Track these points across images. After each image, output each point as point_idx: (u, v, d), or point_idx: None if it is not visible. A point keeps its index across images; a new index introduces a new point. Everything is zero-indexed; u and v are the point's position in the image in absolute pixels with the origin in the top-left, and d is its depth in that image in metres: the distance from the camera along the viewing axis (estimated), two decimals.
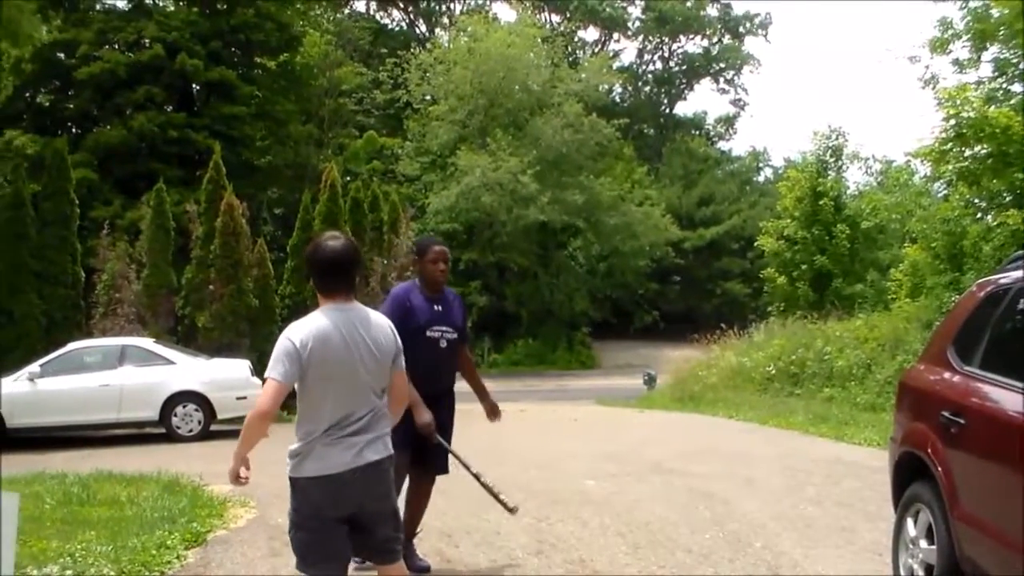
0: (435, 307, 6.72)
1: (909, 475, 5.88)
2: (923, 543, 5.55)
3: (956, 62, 20.28)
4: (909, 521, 5.78)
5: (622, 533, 7.89)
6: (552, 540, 7.69)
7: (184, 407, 16.06)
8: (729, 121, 65.39)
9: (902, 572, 5.85)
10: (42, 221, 20.38)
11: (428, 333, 6.65)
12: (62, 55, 36.47)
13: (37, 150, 31.80)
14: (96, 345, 17.26)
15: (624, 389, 27.13)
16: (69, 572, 6.36)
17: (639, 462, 11.84)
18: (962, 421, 5.19)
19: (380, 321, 4.73)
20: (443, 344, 6.72)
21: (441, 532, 7.96)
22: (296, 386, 4.43)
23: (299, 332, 4.43)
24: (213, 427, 16.20)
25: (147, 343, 17.11)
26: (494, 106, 43.88)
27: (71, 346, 16.90)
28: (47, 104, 37.89)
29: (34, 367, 16.07)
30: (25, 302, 19.71)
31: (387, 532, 4.72)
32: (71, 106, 37.90)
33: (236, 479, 4.59)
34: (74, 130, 37.21)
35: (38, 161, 27.90)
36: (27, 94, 37.38)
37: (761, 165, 60.73)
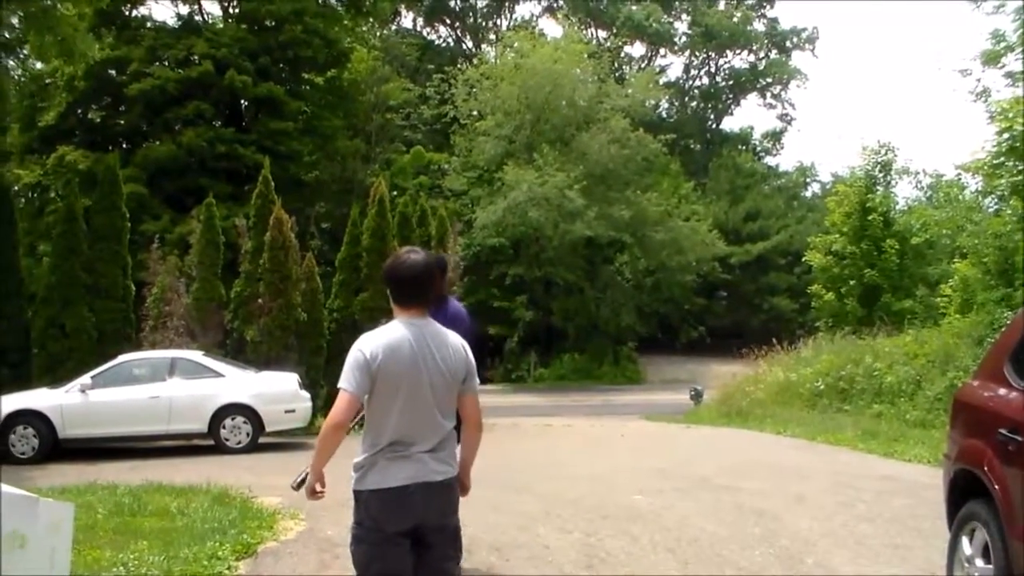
0: None
1: (964, 493, 5.81)
2: (979, 562, 5.48)
3: (1009, 75, 20.01)
4: (964, 539, 5.71)
5: (672, 549, 7.86)
6: (602, 555, 7.67)
7: (233, 419, 16.15)
8: (776, 136, 65.17)
9: None
10: (94, 235, 20.59)
11: None
12: (114, 72, 36.94)
13: (89, 165, 32.22)
14: (146, 358, 17.40)
15: (670, 404, 27.01)
16: None
17: (688, 478, 11.77)
18: (1020, 439, 5.12)
19: (454, 341, 4.70)
20: None
21: (491, 546, 7.95)
22: (364, 398, 4.43)
23: (370, 343, 4.45)
24: (261, 440, 16.25)
25: (196, 356, 17.22)
26: (540, 121, 43.90)
27: (122, 358, 17.04)
28: (99, 120, 38.38)
29: (85, 379, 16.22)
30: (77, 315, 19.93)
31: (445, 551, 4.64)
32: (122, 122, 38.42)
33: (313, 494, 4.59)
34: (125, 145, 37.68)
35: (90, 176, 28.23)
36: (79, 110, 37.88)
37: (808, 180, 60.37)
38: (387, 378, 4.39)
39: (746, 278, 50.90)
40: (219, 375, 16.62)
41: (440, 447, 4.54)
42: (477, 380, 4.78)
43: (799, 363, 23.34)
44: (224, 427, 16.11)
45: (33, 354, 19.99)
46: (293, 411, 16.60)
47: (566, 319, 43.76)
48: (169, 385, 16.25)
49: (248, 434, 16.07)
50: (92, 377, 16.24)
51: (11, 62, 27.27)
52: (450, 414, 4.61)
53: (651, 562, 7.48)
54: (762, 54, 62.37)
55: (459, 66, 46.23)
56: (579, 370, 42.12)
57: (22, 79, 37.28)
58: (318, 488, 4.56)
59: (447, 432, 4.58)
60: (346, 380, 4.38)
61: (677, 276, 45.65)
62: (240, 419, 16.13)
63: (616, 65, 53.27)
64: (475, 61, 48.08)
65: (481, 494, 10.44)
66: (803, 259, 34.81)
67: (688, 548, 7.88)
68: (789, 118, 65.38)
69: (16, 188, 33.08)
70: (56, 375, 18.15)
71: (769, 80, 62.77)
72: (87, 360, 18.24)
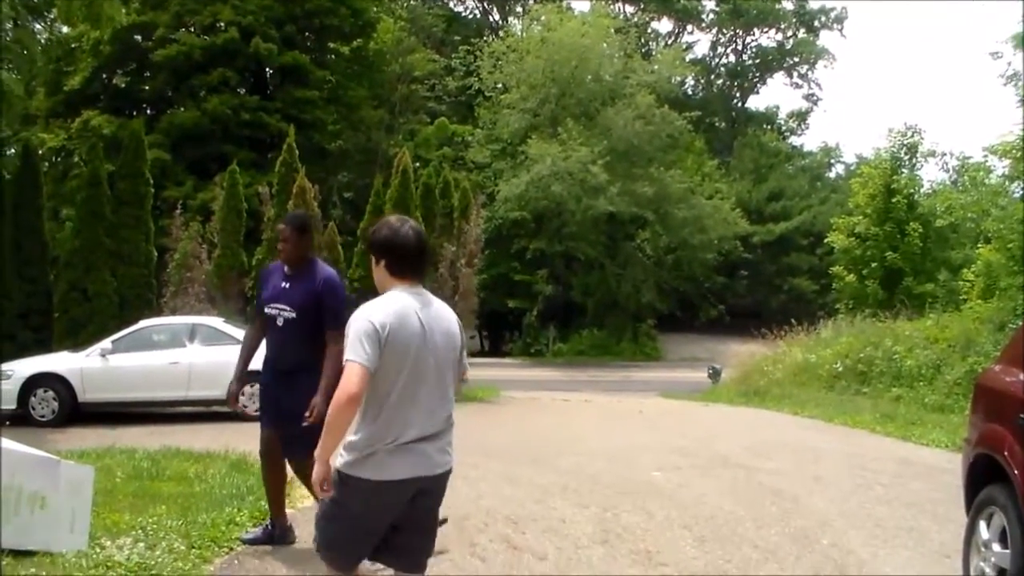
0: (284, 284, 6.64)
1: (983, 477, 5.79)
2: (996, 546, 5.46)
3: None
4: (982, 523, 5.69)
5: (688, 526, 7.86)
6: (618, 530, 7.68)
7: (252, 387, 16.13)
8: (801, 116, 64.80)
9: (973, 575, 5.77)
10: (118, 200, 20.69)
11: (267, 310, 6.68)
12: (139, 38, 37.01)
13: (113, 131, 32.30)
14: (167, 323, 17.45)
15: (689, 382, 27.03)
16: (141, 544, 6.43)
17: (705, 456, 11.78)
18: None
19: (451, 314, 4.54)
20: (279, 322, 6.60)
21: (508, 519, 7.97)
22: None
23: (379, 312, 4.21)
24: None
25: (217, 322, 17.17)
26: (566, 95, 43.79)
27: (142, 324, 17.09)
28: (124, 85, 38.46)
29: (106, 343, 16.30)
30: (99, 280, 20.05)
31: (423, 542, 4.53)
32: (147, 88, 38.48)
33: (321, 487, 4.27)
34: (149, 111, 37.80)
35: (114, 141, 28.30)
36: (104, 76, 37.95)
37: (833, 161, 60.13)
38: (395, 350, 4.16)
39: (767, 258, 50.74)
40: (239, 342, 16.59)
41: (444, 432, 4.36)
42: (467, 357, 4.62)
43: (818, 344, 23.27)
44: (243, 394, 16.13)
45: (55, 318, 20.16)
46: None
47: (586, 294, 43.75)
48: (189, 351, 16.29)
49: None
50: (113, 342, 16.32)
51: (38, 26, 27.21)
52: (451, 391, 4.45)
53: (667, 538, 7.48)
54: (790, 33, 61.92)
55: (485, 38, 46.16)
56: (598, 346, 42.11)
57: (48, 43, 37.31)
58: (325, 487, 4.25)
59: (449, 413, 4.40)
60: (355, 351, 4.12)
61: (698, 254, 45.51)
62: (258, 386, 16.14)
63: (643, 41, 53.02)
64: (501, 33, 47.98)
65: (498, 467, 10.58)
66: (825, 240, 34.65)
67: (704, 525, 7.89)
68: (815, 98, 64.98)
69: (41, 152, 33.16)
70: (77, 339, 18.28)
71: (796, 59, 62.38)
72: (108, 325, 18.36)
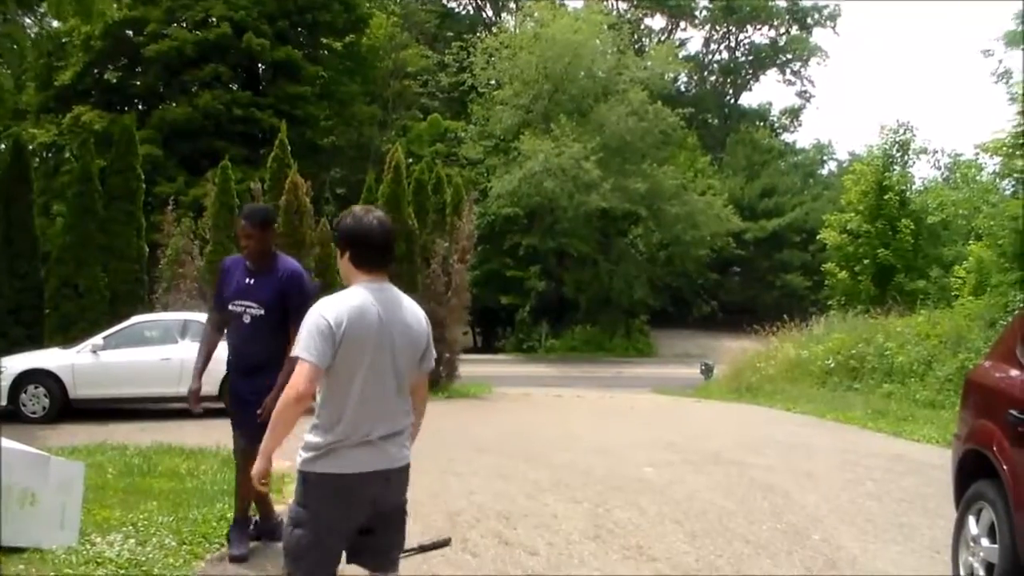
0: (248, 281, 6.50)
1: (973, 473, 5.82)
2: (985, 542, 5.49)
3: None
4: (971, 519, 5.72)
5: (680, 521, 7.88)
6: (610, 526, 7.69)
7: None
8: (794, 113, 64.89)
9: (962, 570, 5.80)
10: (109, 196, 20.60)
11: (231, 307, 6.52)
12: (131, 32, 36.94)
13: (104, 126, 32.26)
14: (158, 319, 17.37)
15: (681, 378, 27.07)
16: (132, 540, 6.43)
17: (697, 451, 11.80)
18: None
19: (417, 310, 4.37)
20: (246, 319, 6.47)
21: (499, 514, 7.97)
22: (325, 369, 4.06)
23: (333, 307, 4.08)
24: None
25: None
26: (558, 92, 43.82)
27: (134, 320, 17.04)
28: (115, 81, 38.38)
29: (97, 339, 16.24)
30: (91, 275, 19.98)
31: (392, 538, 4.41)
32: (138, 83, 38.43)
33: (262, 482, 4.26)
34: (141, 106, 37.75)
35: (106, 137, 28.23)
36: (96, 71, 37.89)
37: (825, 158, 60.28)
38: (351, 347, 4.05)
39: (760, 254, 50.86)
40: None
41: (401, 430, 4.26)
42: (434, 354, 4.44)
43: (810, 340, 23.35)
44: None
45: (46, 314, 20.06)
46: None
47: (578, 290, 43.81)
48: (180, 347, 16.19)
49: None
50: (104, 338, 16.25)
51: (28, 20, 27.14)
52: (409, 390, 4.32)
53: (659, 533, 7.49)
54: (783, 30, 61.99)
55: (478, 34, 46.09)
56: (590, 342, 42.18)
57: (38, 37, 37.21)
58: (263, 482, 4.24)
59: (407, 411, 4.30)
60: (305, 348, 4.00)
61: (691, 250, 45.61)
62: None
63: (636, 37, 53.06)
64: (494, 29, 47.92)
65: (490, 462, 10.59)
66: (818, 237, 34.79)
67: (696, 521, 7.90)
68: (808, 95, 65.16)
69: (31, 147, 33.11)
70: (68, 335, 18.20)
71: (789, 56, 62.46)
72: (99, 320, 18.30)
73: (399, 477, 4.29)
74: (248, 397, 6.41)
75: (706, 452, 11.76)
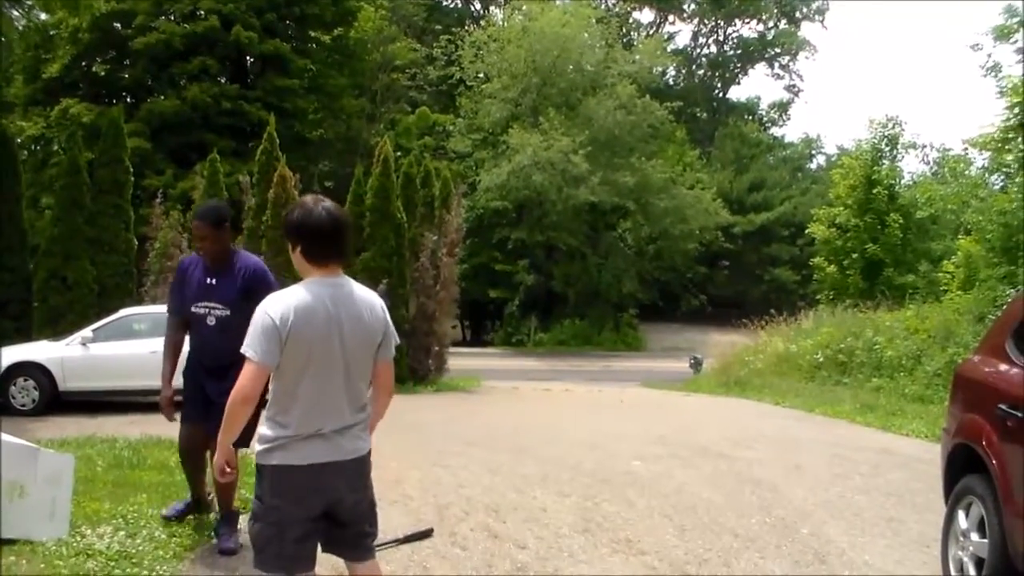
0: (209, 281, 6.44)
1: (962, 467, 5.83)
2: (974, 536, 5.50)
3: (1020, 50, 19.96)
4: (960, 514, 5.73)
5: (668, 515, 7.88)
6: (599, 519, 7.69)
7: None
8: (783, 107, 65.04)
9: (951, 565, 5.81)
10: (97, 189, 20.53)
11: (194, 309, 6.47)
12: (119, 25, 36.83)
13: (93, 119, 32.14)
14: (147, 312, 17.19)
15: (670, 372, 27.11)
16: (122, 532, 6.42)
17: (686, 445, 11.80)
18: (1020, 414, 5.13)
19: (372, 300, 4.32)
20: (210, 321, 6.44)
21: (488, 508, 7.97)
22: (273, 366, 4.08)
23: (279, 305, 4.05)
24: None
25: None
26: (547, 85, 43.80)
27: (123, 312, 16.94)
28: (103, 73, 38.24)
29: (87, 332, 16.18)
30: (79, 268, 19.91)
31: (362, 528, 4.43)
32: (126, 76, 38.26)
33: (223, 473, 4.31)
34: (129, 99, 37.64)
35: (94, 129, 28.12)
36: (84, 63, 37.75)
37: (814, 152, 60.42)
38: (298, 344, 4.02)
39: (748, 248, 50.96)
40: None
41: (353, 423, 4.24)
42: (395, 343, 4.38)
43: (799, 335, 23.40)
44: None
45: (34, 306, 19.99)
46: None
47: (567, 284, 43.81)
48: None
49: None
50: (93, 330, 16.20)
51: (15, 12, 27.07)
52: (366, 382, 4.31)
53: (648, 527, 7.50)
54: (771, 24, 62.14)
55: (466, 27, 46.03)
56: (579, 335, 42.21)
57: (26, 30, 37.06)
58: (228, 469, 4.29)
59: (362, 403, 4.29)
60: (251, 348, 4.00)
61: (680, 244, 45.69)
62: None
63: (624, 31, 53.06)
64: (483, 23, 47.93)
65: (479, 455, 10.59)
66: (806, 231, 34.89)
67: (685, 514, 7.91)
68: (796, 89, 65.51)
69: (19, 140, 32.97)
70: (57, 328, 18.15)
71: (777, 50, 62.58)
72: (88, 313, 18.26)
73: (355, 468, 4.28)
74: (217, 399, 6.22)
75: (695, 446, 11.77)
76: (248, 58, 38.45)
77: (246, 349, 4.02)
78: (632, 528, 7.44)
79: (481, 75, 45.33)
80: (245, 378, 4.01)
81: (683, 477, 9.58)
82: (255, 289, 6.06)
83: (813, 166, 58.88)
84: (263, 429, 4.15)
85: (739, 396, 19.81)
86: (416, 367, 20.23)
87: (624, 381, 25.16)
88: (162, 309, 17.15)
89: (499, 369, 26.99)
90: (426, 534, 6.83)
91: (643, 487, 8.99)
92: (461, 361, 23.52)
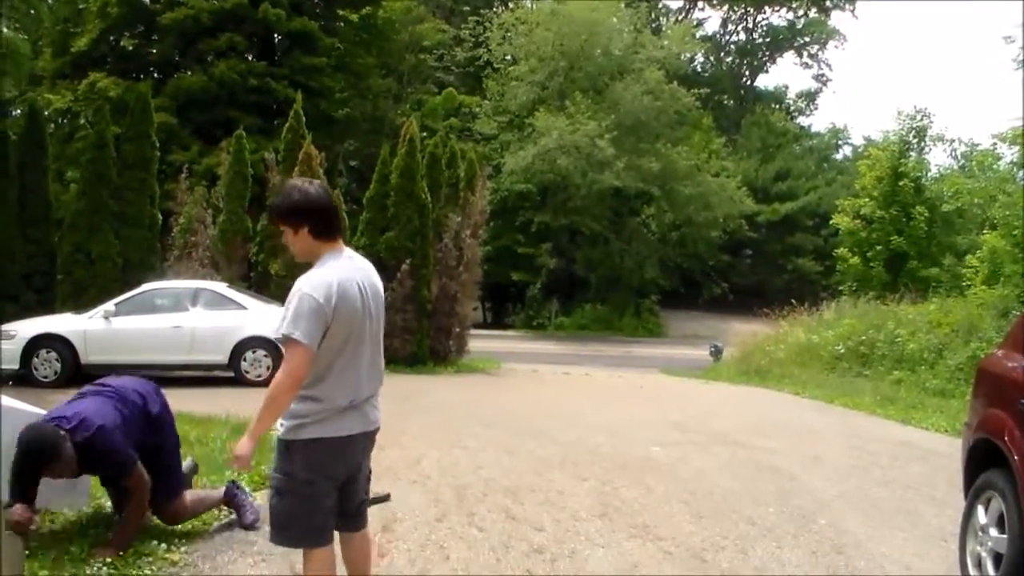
0: None
1: (983, 462, 5.80)
2: (993, 531, 5.48)
3: None
4: (980, 508, 5.71)
5: (686, 501, 7.89)
6: (617, 504, 7.70)
7: (254, 352, 16.15)
8: (810, 96, 64.61)
9: (969, 559, 5.79)
10: (123, 163, 20.61)
11: None
12: (147, 0, 36.79)
13: (120, 93, 32.17)
14: (170, 287, 17.35)
15: (690, 359, 27.07)
16: None
17: (705, 432, 11.81)
18: None
19: (374, 271, 4.48)
20: None
21: (506, 489, 8.00)
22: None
23: (322, 286, 4.10)
24: None
25: (220, 287, 17.15)
26: (574, 69, 43.64)
27: (146, 287, 17.02)
28: (131, 48, 38.22)
29: (109, 306, 16.27)
30: (103, 242, 20.01)
31: (362, 496, 4.59)
32: (154, 51, 38.25)
33: (247, 464, 4.28)
34: (156, 75, 37.58)
35: (121, 104, 28.18)
36: (112, 38, 37.71)
37: (840, 143, 59.96)
38: (340, 322, 4.11)
39: (772, 237, 50.74)
40: (242, 307, 16.57)
41: (376, 392, 4.40)
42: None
43: (821, 325, 23.31)
44: (245, 359, 16.13)
45: (58, 279, 20.13)
46: None
47: (589, 269, 43.75)
48: (192, 315, 16.28)
49: (268, 367, 15.91)
50: (116, 304, 16.29)
51: None
52: (382, 350, 4.45)
53: (665, 512, 7.50)
54: (801, 12, 61.60)
55: (495, 9, 45.92)
56: (600, 320, 42.12)
57: (55, 3, 37.23)
58: (248, 464, 4.30)
59: (381, 371, 4.42)
60: (300, 330, 4.01)
61: (703, 232, 45.50)
62: (261, 352, 16.09)
63: (653, 16, 52.83)
64: (511, 5, 47.71)
65: (498, 437, 10.62)
66: (830, 221, 34.73)
67: (702, 501, 7.91)
68: (825, 79, 64.91)
69: (47, 113, 33.09)
70: (80, 301, 18.25)
71: (807, 39, 62.13)
72: (111, 287, 18.36)
73: (373, 439, 4.44)
74: None
75: (713, 433, 11.78)
76: (275, 36, 38.37)
77: (291, 332, 4.02)
78: (649, 513, 7.46)
79: (508, 57, 45.23)
80: (295, 362, 4.03)
81: (701, 464, 9.59)
82: None
83: (839, 156, 58.48)
84: (293, 405, 4.15)
85: (759, 385, 19.77)
86: (437, 348, 20.26)
87: (644, 367, 25.12)
88: (184, 284, 17.38)
89: (519, 352, 27.00)
90: (384, 499, 6.95)
91: (661, 473, 9.01)
92: (482, 343, 23.56)
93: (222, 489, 6.77)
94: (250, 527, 6.56)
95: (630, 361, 28.23)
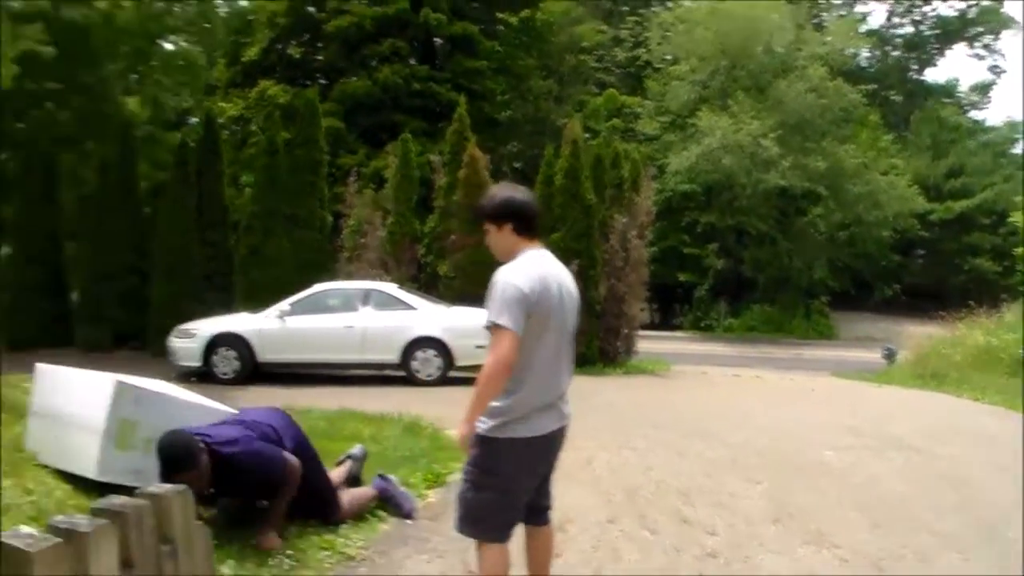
0: None
1: None
2: None
3: None
4: None
5: (861, 508, 7.68)
6: (790, 509, 7.54)
7: (424, 352, 16.37)
8: (984, 88, 62.26)
9: None
10: (293, 167, 21.18)
11: None
12: (313, 9, 37.76)
13: (288, 100, 33.08)
14: (342, 287, 17.75)
15: (861, 362, 26.42)
16: None
17: (879, 437, 11.47)
18: None
19: (570, 275, 4.62)
20: None
21: (678, 492, 7.92)
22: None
23: (524, 277, 4.23)
24: (451, 373, 16.25)
25: (390, 288, 17.45)
26: (736, 67, 43.06)
27: (318, 287, 17.44)
28: (298, 56, 39.33)
29: (284, 305, 16.76)
30: (276, 244, 20.60)
31: (549, 489, 4.73)
32: (320, 58, 39.29)
33: (466, 445, 4.41)
34: (322, 81, 38.54)
35: (290, 110, 28.95)
36: (280, 46, 38.87)
37: (1018, 137, 57.69)
38: (539, 314, 4.22)
39: (946, 236, 49.07)
40: (412, 308, 16.82)
41: (567, 388, 4.50)
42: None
43: (1001, 328, 22.45)
44: (415, 359, 16.36)
45: (235, 280, 20.80)
46: (484, 347, 16.66)
47: (757, 269, 43.07)
48: (363, 315, 16.61)
49: (439, 367, 16.23)
50: (290, 304, 16.78)
51: (219, 0, 28.19)
52: (573, 349, 4.58)
53: (840, 519, 7.32)
54: (972, 1, 59.53)
55: (654, 8, 45.64)
56: (769, 322, 41.43)
57: (227, 15, 38.44)
58: (468, 445, 4.40)
59: (571, 370, 4.54)
60: (505, 317, 4.14)
61: (873, 231, 44.31)
62: (431, 352, 16.32)
63: (815, 12, 51.74)
64: (670, 4, 47.38)
65: (668, 439, 10.55)
66: (1008, 219, 33.49)
67: (878, 508, 7.69)
68: (999, 70, 62.81)
69: (220, 121, 34.21)
70: (256, 301, 18.80)
71: (979, 29, 59.89)
72: (285, 287, 18.81)
73: (565, 433, 4.55)
74: None
75: (888, 438, 11.43)
76: (437, 40, 38.91)
77: (498, 318, 4.16)
78: (824, 519, 7.28)
79: (668, 57, 44.91)
80: (503, 347, 4.14)
81: (876, 469, 9.33)
82: None
83: (1017, 151, 56.32)
84: (497, 402, 4.26)
85: (935, 390, 19.09)
86: (606, 349, 20.21)
87: (814, 370, 24.60)
88: (355, 285, 17.79)
89: (687, 353, 26.78)
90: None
91: (834, 477, 8.80)
92: (649, 344, 23.43)
93: (372, 487, 6.93)
94: (408, 516, 6.77)
95: (800, 363, 27.68)
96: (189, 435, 5.61)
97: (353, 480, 6.99)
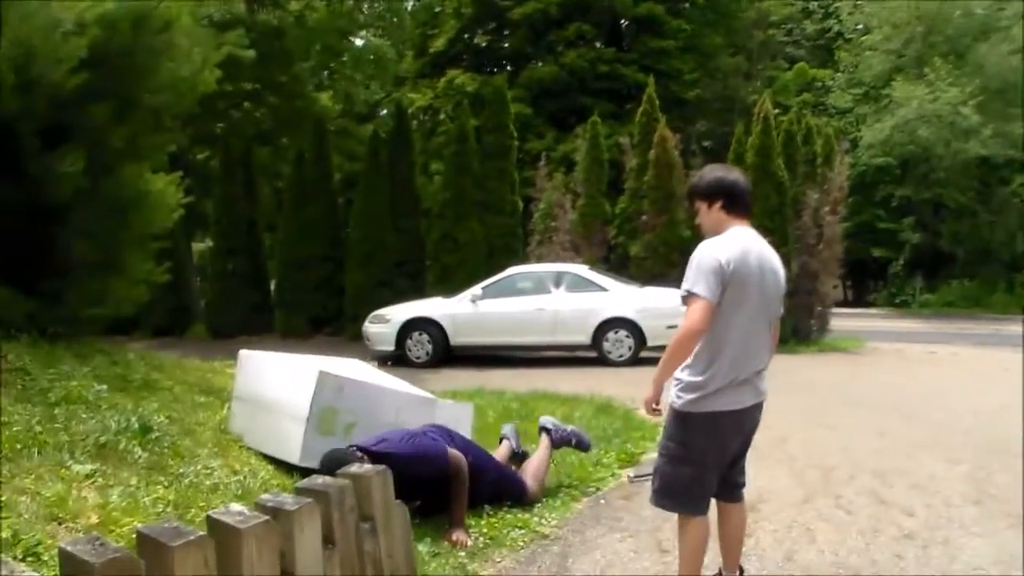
0: None
1: None
2: None
3: None
4: None
5: None
6: (992, 491, 7.25)
7: (616, 333, 16.40)
8: None
9: None
10: (483, 154, 21.52)
11: None
12: None
13: (476, 88, 33.57)
14: (533, 270, 17.94)
15: None
16: None
17: None
18: None
19: (776, 256, 4.59)
20: None
21: (875, 472, 7.75)
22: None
23: (723, 249, 4.26)
24: (643, 354, 16.15)
25: (581, 270, 17.52)
26: (932, 33, 41.45)
27: (510, 271, 17.69)
28: (484, 44, 39.85)
29: (476, 289, 17.05)
30: (468, 229, 20.97)
31: (743, 465, 4.73)
32: (506, 45, 39.70)
33: (653, 410, 4.49)
34: (509, 68, 38.91)
35: (478, 98, 29.37)
36: (466, 36, 39.48)
37: None
38: (736, 286, 4.23)
39: None
40: (603, 289, 16.84)
41: (766, 365, 4.49)
42: (783, 306, 4.64)
43: None
44: (607, 340, 16.40)
45: (427, 265, 21.29)
46: (676, 327, 16.54)
47: (956, 243, 41.53)
48: (554, 297, 16.73)
49: (631, 348, 16.23)
50: (482, 288, 17.05)
51: None
52: (772, 328, 4.56)
53: None
54: None
55: None
56: (968, 297, 39.91)
57: (415, 8, 39.26)
58: (656, 406, 4.48)
59: (770, 347, 4.52)
60: (700, 285, 4.18)
61: None
62: (623, 332, 16.33)
63: None
64: None
65: (864, 417, 10.35)
66: None
67: None
68: None
69: (410, 111, 34.96)
70: (449, 285, 19.18)
71: None
72: (477, 272, 19.16)
73: (761, 410, 4.55)
74: None
75: None
76: (622, 21, 38.86)
77: (693, 287, 4.21)
78: None
79: (860, 27, 43.63)
80: (696, 315, 4.18)
81: None
82: None
83: None
84: (692, 377, 4.33)
85: None
86: (799, 327, 19.89)
87: (1016, 347, 23.62)
88: (547, 268, 17.96)
89: (882, 331, 26.04)
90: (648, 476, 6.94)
91: None
92: (843, 322, 22.92)
93: (540, 443, 7.07)
94: (587, 448, 7.22)
95: (1000, 340, 26.54)
96: (344, 448, 5.80)
97: (521, 456, 7.09)
